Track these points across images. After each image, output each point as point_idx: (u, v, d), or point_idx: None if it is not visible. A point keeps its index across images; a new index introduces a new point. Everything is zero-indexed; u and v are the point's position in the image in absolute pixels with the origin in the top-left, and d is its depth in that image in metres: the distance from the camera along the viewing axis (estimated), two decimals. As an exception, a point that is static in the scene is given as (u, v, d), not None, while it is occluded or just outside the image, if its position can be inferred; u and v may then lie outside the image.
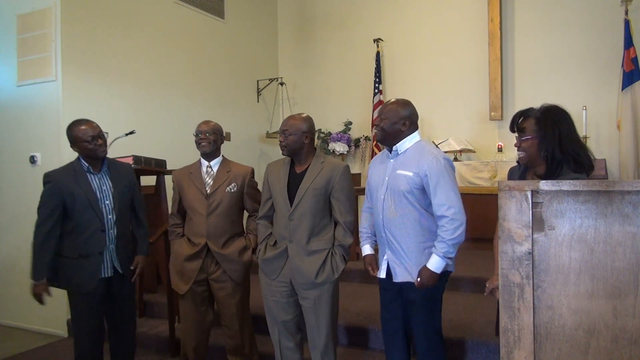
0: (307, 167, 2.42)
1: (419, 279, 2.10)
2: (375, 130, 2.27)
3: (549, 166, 1.82)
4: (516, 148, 1.92)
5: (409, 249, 2.14)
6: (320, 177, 2.37)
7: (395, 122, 2.18)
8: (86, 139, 2.48)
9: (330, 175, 2.38)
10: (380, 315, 2.34)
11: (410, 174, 2.11)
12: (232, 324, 2.72)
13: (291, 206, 2.36)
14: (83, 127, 2.50)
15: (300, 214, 2.35)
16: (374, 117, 5.83)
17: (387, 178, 2.20)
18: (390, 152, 2.24)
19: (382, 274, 2.25)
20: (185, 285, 2.67)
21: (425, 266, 2.10)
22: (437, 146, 4.66)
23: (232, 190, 2.70)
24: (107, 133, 2.73)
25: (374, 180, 2.30)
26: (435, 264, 2.08)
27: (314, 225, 2.37)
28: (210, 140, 2.70)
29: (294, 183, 2.40)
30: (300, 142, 2.40)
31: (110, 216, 2.57)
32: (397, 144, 2.20)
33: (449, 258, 2.08)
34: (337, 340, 2.56)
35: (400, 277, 2.17)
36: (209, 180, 2.71)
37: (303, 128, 2.40)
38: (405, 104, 2.23)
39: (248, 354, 2.80)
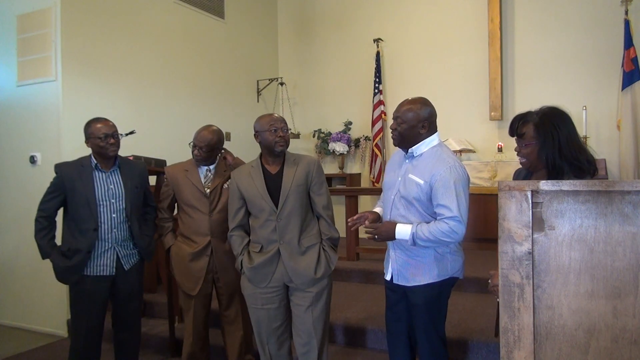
0: (282, 166, 2.37)
1: (377, 225, 2.08)
2: (392, 134, 2.14)
3: (549, 172, 1.77)
4: (516, 152, 1.87)
5: (412, 253, 2.11)
6: (299, 172, 2.34)
7: (414, 126, 2.05)
8: (99, 135, 2.53)
9: (308, 170, 2.36)
10: (385, 316, 2.31)
11: (422, 181, 2.02)
12: (236, 320, 2.73)
13: (277, 207, 2.31)
14: (99, 125, 2.57)
15: (288, 213, 2.30)
16: (375, 117, 5.85)
17: (399, 179, 2.13)
18: (406, 153, 2.14)
19: (388, 276, 2.22)
20: (196, 285, 2.66)
21: (395, 225, 2.04)
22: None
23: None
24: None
25: (388, 179, 2.23)
26: (402, 233, 2.02)
27: (302, 222, 2.34)
28: (203, 154, 2.67)
29: (271, 184, 2.34)
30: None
31: (114, 215, 2.57)
32: (413, 147, 2.09)
33: (414, 242, 2.01)
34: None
35: (403, 280, 2.15)
36: (208, 182, 2.70)
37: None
38: (424, 103, 2.09)
39: (249, 351, 2.81)
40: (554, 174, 1.75)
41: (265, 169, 2.38)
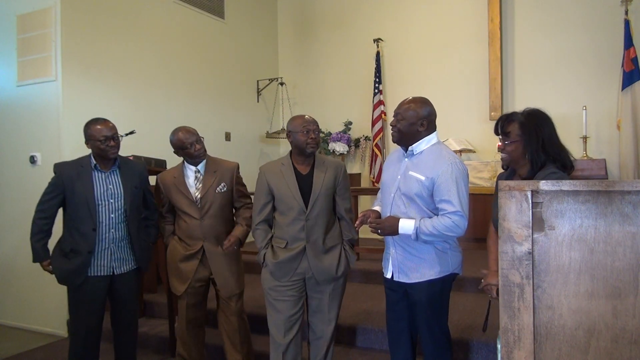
0: (312, 168, 2.44)
1: (379, 220, 2.12)
2: (392, 131, 2.19)
3: (532, 167, 1.88)
4: (499, 150, 1.98)
5: (413, 250, 2.12)
6: (328, 176, 2.42)
7: (413, 123, 2.10)
8: (99, 138, 2.52)
9: (336, 174, 2.45)
10: (386, 316, 2.33)
11: (423, 178, 2.06)
12: (232, 321, 2.73)
13: (306, 207, 2.37)
14: (99, 127, 2.55)
15: (317, 214, 2.39)
16: (375, 117, 5.84)
17: (399, 177, 2.16)
18: (406, 151, 2.17)
19: (388, 274, 2.23)
20: (182, 285, 2.69)
21: (398, 220, 2.06)
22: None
23: (223, 191, 2.70)
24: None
25: (387, 177, 2.26)
26: (405, 228, 2.04)
27: (327, 223, 2.43)
28: (202, 146, 2.70)
29: (302, 185, 2.41)
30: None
31: (112, 215, 2.57)
32: (413, 145, 2.13)
33: (417, 237, 2.04)
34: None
35: (404, 277, 2.16)
36: (198, 184, 2.70)
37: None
38: (424, 102, 2.15)
39: (247, 352, 2.81)
40: (537, 169, 1.86)
41: (296, 168, 2.45)
